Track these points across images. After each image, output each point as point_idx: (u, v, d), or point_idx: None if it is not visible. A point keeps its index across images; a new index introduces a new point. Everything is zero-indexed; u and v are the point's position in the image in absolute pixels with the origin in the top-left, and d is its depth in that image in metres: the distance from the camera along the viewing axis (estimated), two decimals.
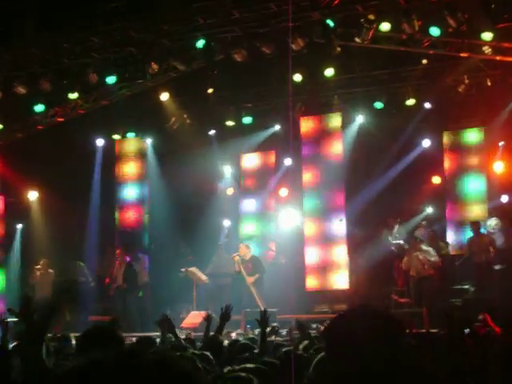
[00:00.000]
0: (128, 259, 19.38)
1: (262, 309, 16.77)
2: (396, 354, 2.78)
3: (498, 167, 19.68)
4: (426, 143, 20.64)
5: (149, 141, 21.90)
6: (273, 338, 12.20)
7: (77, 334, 4.85)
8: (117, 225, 21.70)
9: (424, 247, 17.62)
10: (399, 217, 20.36)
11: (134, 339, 10.30)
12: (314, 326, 14.76)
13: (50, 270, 19.96)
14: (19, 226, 21.63)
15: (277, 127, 21.29)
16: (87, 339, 4.39)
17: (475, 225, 18.27)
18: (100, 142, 21.99)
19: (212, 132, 21.82)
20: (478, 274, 17.75)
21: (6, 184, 20.91)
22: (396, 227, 20.22)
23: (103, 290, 19.90)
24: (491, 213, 19.04)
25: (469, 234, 18.75)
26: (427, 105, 19.36)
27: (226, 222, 21.96)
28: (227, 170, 22.44)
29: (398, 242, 19.66)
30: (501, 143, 19.76)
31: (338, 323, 2.94)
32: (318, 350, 6.79)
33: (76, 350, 4.55)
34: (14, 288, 19.95)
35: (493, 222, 18.54)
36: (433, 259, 17.44)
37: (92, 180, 21.66)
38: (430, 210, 20.60)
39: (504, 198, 19.56)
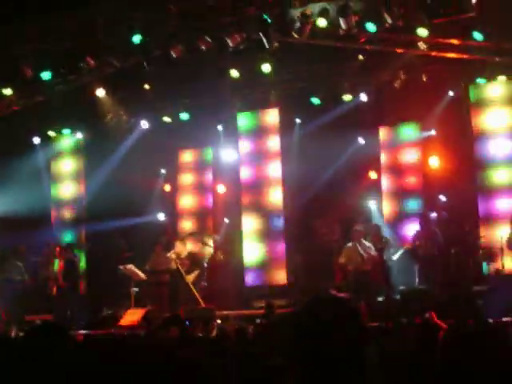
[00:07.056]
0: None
1: (202, 305, 16.93)
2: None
3: (434, 162, 19.74)
4: (362, 140, 20.51)
5: (85, 137, 21.65)
6: None
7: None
8: (53, 223, 21.41)
9: (364, 241, 17.60)
10: (338, 214, 20.34)
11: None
12: (258, 321, 14.75)
13: None
14: None
15: (213, 123, 21.13)
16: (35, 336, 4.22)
17: (423, 217, 18.31)
18: (36, 139, 21.71)
19: (148, 127, 21.48)
20: (422, 267, 17.85)
21: None
22: (336, 226, 20.19)
23: (43, 288, 19.57)
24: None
25: (407, 227, 18.99)
26: (363, 97, 19.27)
27: (161, 216, 21.71)
28: (164, 167, 22.24)
29: (336, 237, 19.70)
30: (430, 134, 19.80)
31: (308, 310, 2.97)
32: None
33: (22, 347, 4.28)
34: None
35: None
36: (372, 253, 17.43)
37: (28, 178, 21.28)
38: (373, 205, 20.42)
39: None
